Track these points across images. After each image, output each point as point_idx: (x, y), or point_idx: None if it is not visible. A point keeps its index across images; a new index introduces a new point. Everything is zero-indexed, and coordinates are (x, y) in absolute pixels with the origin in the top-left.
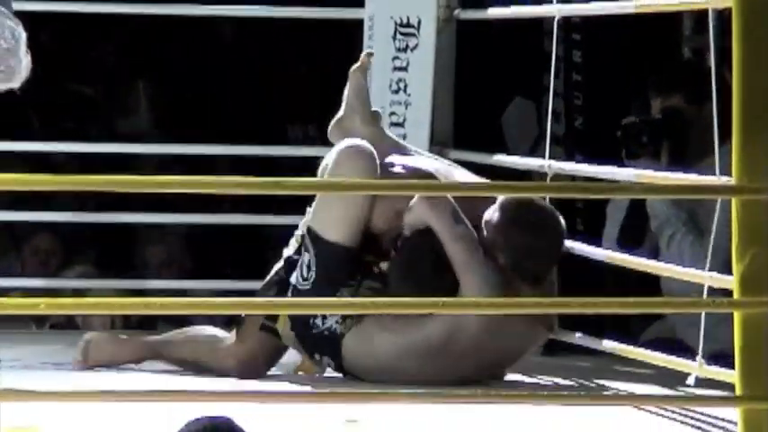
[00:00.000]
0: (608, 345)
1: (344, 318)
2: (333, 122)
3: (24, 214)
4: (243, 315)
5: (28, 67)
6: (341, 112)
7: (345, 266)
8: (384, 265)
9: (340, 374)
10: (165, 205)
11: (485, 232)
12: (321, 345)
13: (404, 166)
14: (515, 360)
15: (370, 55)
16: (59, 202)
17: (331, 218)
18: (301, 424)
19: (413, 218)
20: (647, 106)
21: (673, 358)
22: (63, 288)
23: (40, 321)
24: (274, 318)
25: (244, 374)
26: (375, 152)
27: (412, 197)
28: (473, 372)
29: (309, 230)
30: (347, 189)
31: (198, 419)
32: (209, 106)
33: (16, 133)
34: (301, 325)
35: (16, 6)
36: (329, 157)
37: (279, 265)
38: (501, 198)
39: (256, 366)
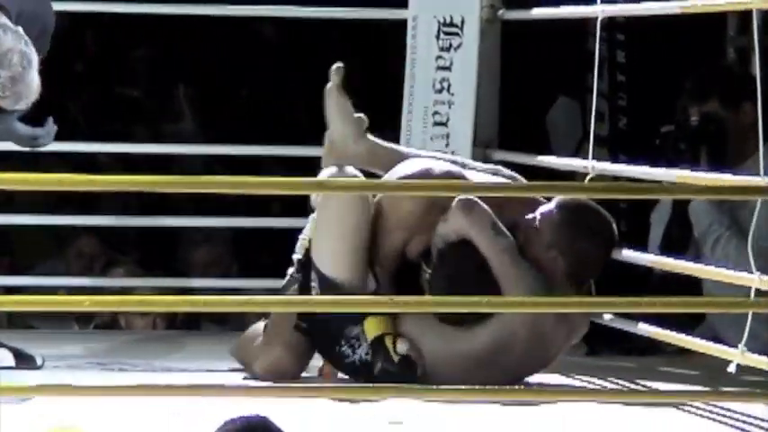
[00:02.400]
0: (643, 328)
1: (374, 352)
2: (324, 149)
3: (69, 218)
4: (269, 319)
5: (38, 89)
6: (329, 136)
7: None
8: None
9: None
10: (209, 207)
11: (538, 227)
12: (356, 372)
13: (413, 174)
14: (554, 359)
15: (339, 69)
16: (104, 205)
17: (329, 250)
18: (343, 424)
19: (449, 230)
20: (688, 110)
21: (713, 345)
22: (108, 287)
23: (83, 321)
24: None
25: (269, 380)
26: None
27: (432, 214)
28: (515, 376)
29: (314, 263)
30: (398, 189)
31: (233, 420)
32: (254, 107)
33: (61, 135)
34: (333, 354)
35: (60, 7)
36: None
37: (291, 269)
38: (558, 198)
39: (283, 371)
